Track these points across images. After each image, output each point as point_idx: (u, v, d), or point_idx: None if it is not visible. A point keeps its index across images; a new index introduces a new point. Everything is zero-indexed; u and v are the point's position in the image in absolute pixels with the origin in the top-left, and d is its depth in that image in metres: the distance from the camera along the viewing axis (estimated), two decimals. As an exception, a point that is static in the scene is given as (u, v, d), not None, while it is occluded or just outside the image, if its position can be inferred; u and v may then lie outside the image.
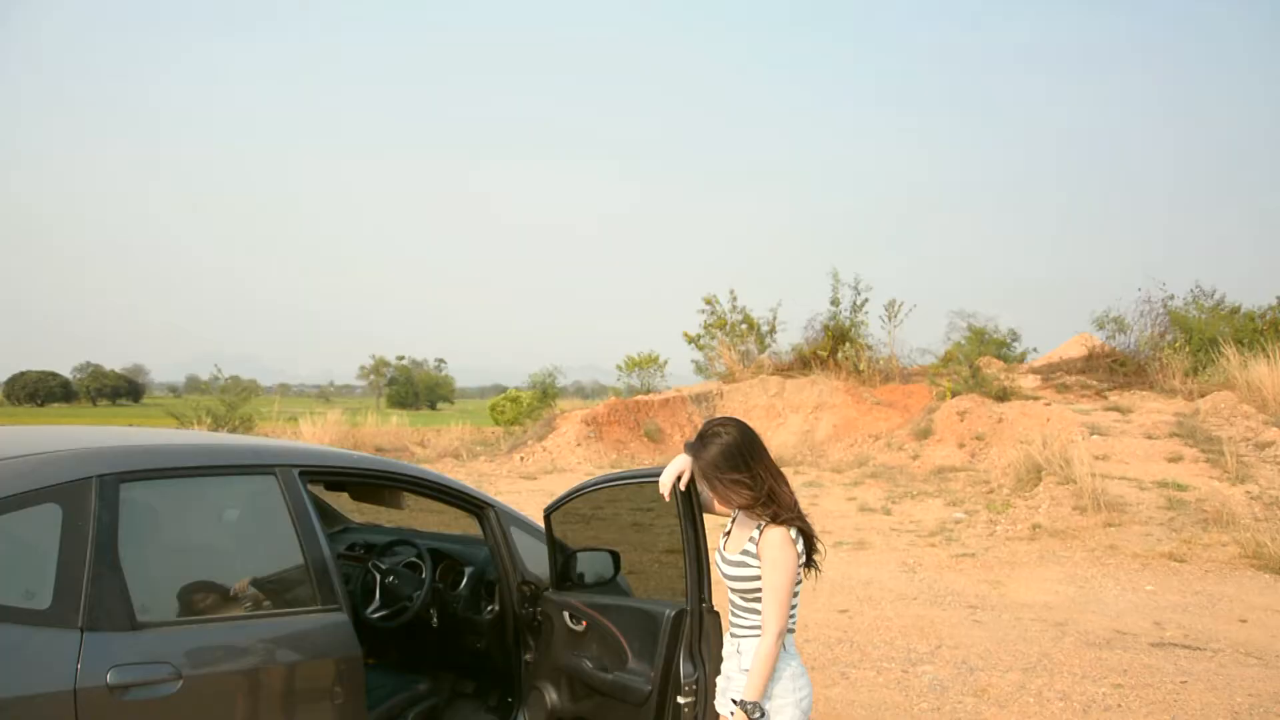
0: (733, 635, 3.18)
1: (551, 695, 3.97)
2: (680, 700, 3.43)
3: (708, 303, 24.42)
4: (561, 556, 4.11)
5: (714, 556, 3.30)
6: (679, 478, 3.34)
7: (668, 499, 3.36)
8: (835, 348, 22.14)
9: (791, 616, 3.09)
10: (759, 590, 3.02)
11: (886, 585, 8.97)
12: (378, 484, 4.17)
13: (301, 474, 3.48)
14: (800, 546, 3.02)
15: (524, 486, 17.30)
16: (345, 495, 5.23)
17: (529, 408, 30.09)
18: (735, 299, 24.23)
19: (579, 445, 21.74)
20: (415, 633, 4.51)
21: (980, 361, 20.89)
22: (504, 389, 37.30)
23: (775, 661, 2.96)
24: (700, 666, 3.45)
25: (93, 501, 2.83)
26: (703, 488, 3.38)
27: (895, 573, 9.54)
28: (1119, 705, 5.76)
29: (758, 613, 3.05)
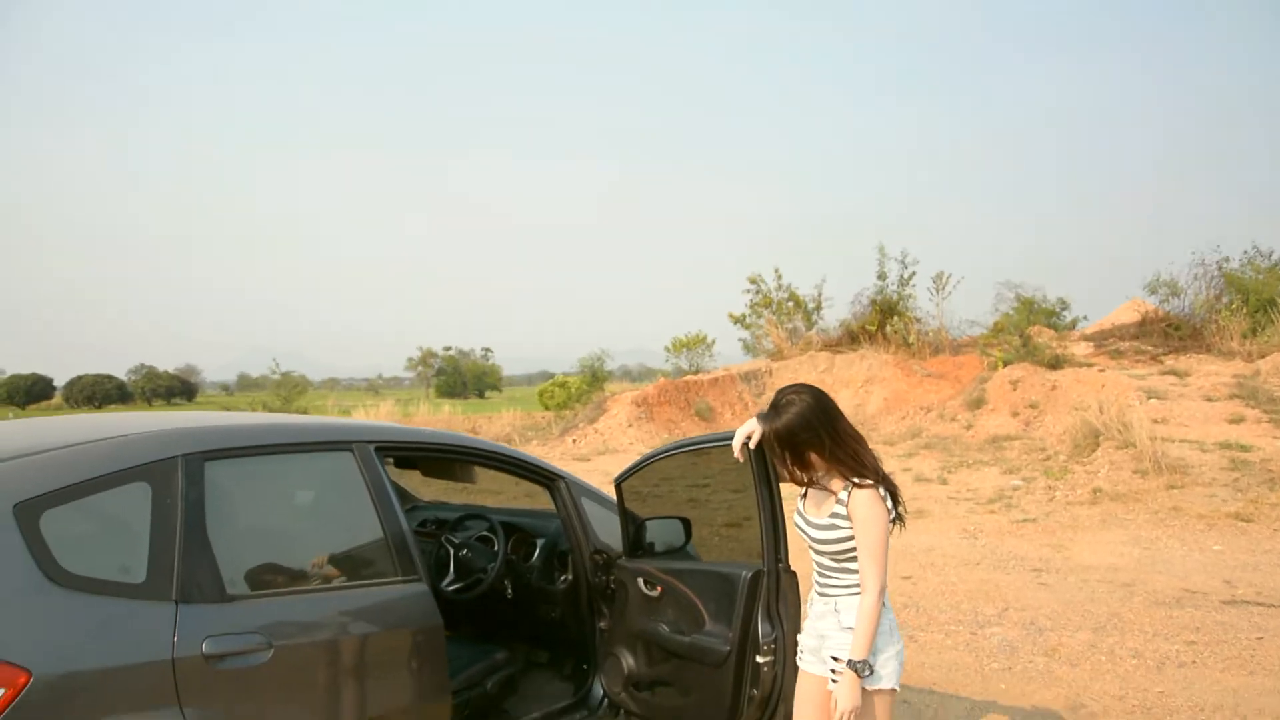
0: (825, 595, 3.20)
1: (628, 660, 4.05)
2: (759, 660, 3.49)
3: (753, 282, 24.38)
4: (633, 525, 4.18)
5: (791, 519, 3.36)
6: (749, 438, 3.40)
7: (740, 459, 3.43)
8: (883, 322, 22.01)
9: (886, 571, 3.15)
10: (851, 551, 3.07)
11: (948, 552, 8.98)
12: (452, 458, 4.26)
13: (377, 449, 3.58)
14: (890, 504, 3.07)
15: (578, 468, 17.44)
16: (413, 476, 5.34)
17: (578, 392, 30.27)
18: (780, 277, 24.19)
19: (630, 426, 21.85)
20: (490, 605, 4.61)
21: (1031, 330, 20.68)
22: (551, 375, 37.53)
23: (878, 618, 3.00)
24: (778, 626, 3.51)
25: (179, 480, 2.93)
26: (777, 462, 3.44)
27: (956, 539, 9.54)
28: (1194, 661, 5.75)
29: (851, 572, 3.09)
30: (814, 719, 3.23)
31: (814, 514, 3.17)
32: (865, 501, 3.01)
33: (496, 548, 4.47)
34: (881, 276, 22.43)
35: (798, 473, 3.18)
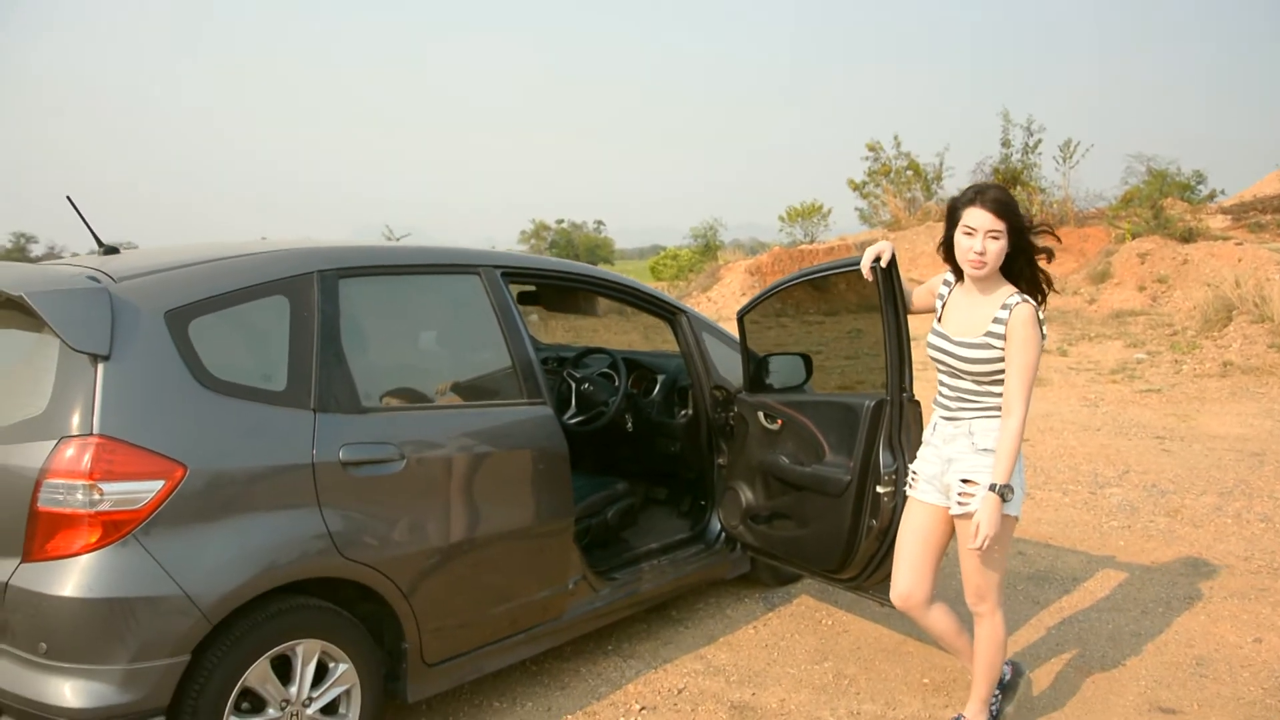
0: (956, 419, 3.11)
1: (746, 494, 4.10)
2: (879, 490, 3.48)
3: (871, 149, 23.67)
4: (754, 361, 4.18)
5: (925, 344, 3.25)
6: (878, 258, 3.32)
7: (869, 279, 3.36)
8: (1005, 191, 21.19)
9: None
10: (999, 372, 2.96)
11: (1067, 418, 8.78)
12: (576, 287, 4.29)
13: (504, 274, 3.62)
14: (1045, 329, 2.96)
15: (771, 334, 17.53)
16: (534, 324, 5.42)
17: (690, 263, 30.16)
18: (900, 145, 23.37)
19: (744, 295, 21.74)
20: (611, 439, 4.71)
21: (1164, 203, 19.63)
22: (662, 249, 37.38)
23: (1019, 443, 2.93)
24: (900, 456, 3.48)
25: (315, 294, 3.02)
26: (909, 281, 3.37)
27: (1076, 406, 9.31)
28: (1326, 526, 5.55)
29: (994, 395, 3.01)
30: (918, 550, 3.21)
31: (964, 333, 3.05)
32: (1028, 320, 2.90)
33: (618, 382, 4.53)
34: (1006, 144, 21.50)
35: (980, 258, 2.93)
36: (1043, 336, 2.94)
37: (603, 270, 4.29)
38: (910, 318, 3.48)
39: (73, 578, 2.52)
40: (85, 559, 2.53)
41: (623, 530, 4.35)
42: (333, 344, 3.02)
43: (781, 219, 28.17)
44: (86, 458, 2.53)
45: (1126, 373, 10.95)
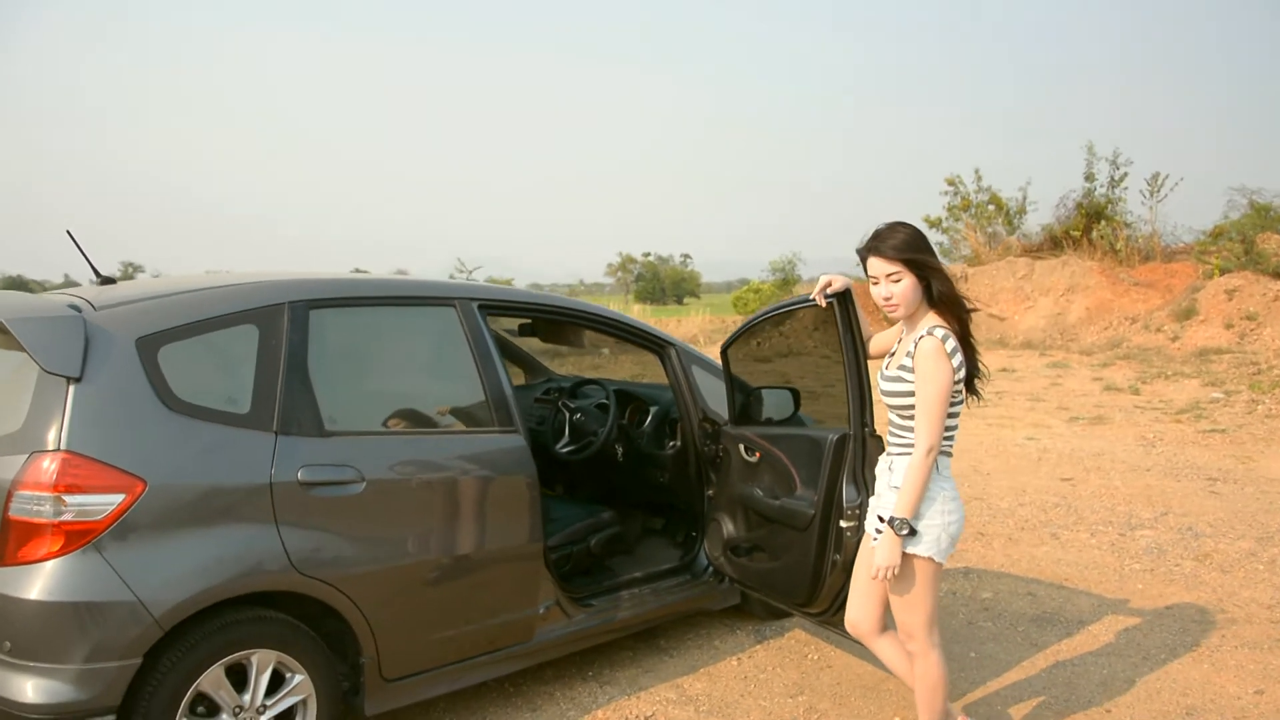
0: (887, 454, 3.20)
1: (728, 526, 4.15)
2: (842, 524, 3.50)
3: (950, 184, 23.29)
4: (741, 395, 4.23)
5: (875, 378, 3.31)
6: (828, 285, 3.36)
7: (822, 304, 3.38)
8: (1089, 226, 20.60)
9: (949, 439, 3.07)
10: (913, 407, 3.00)
11: (1119, 457, 8.54)
12: (559, 320, 4.40)
13: (481, 307, 3.76)
14: (959, 360, 2.97)
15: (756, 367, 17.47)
16: (551, 353, 5.55)
17: (771, 297, 30.10)
18: (980, 179, 22.98)
19: (815, 329, 21.59)
20: (604, 469, 4.80)
21: (1259, 237, 18.86)
22: (748, 282, 37.42)
23: (926, 479, 2.94)
24: (863, 491, 3.50)
25: (285, 324, 3.21)
26: (865, 317, 3.40)
27: (1131, 446, 9.04)
28: (1366, 575, 5.31)
29: (912, 430, 3.04)
30: (863, 582, 3.24)
31: (889, 367, 3.13)
32: (929, 353, 2.92)
33: (610, 413, 4.63)
34: (1090, 178, 20.94)
35: (890, 304, 3.03)
36: (955, 367, 2.94)
37: (590, 304, 4.39)
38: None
39: (37, 582, 2.72)
40: (49, 565, 2.73)
41: (608, 558, 4.43)
42: (298, 371, 3.19)
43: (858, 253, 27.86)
44: (53, 471, 2.73)
45: (1195, 412, 10.58)
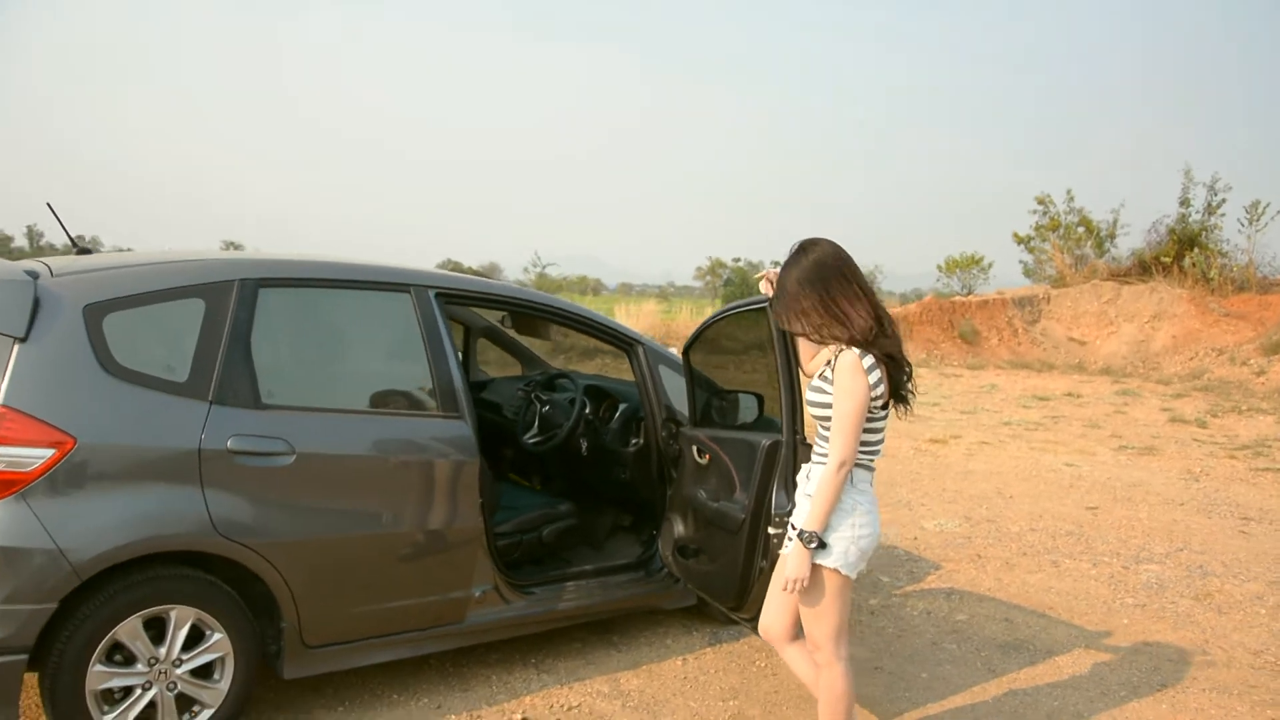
0: (809, 463, 3.19)
1: (678, 526, 4.17)
2: (771, 531, 3.49)
3: (1040, 203, 22.73)
4: (705, 396, 4.24)
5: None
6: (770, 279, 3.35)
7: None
8: (1181, 253, 19.87)
9: (874, 452, 3.03)
10: (830, 418, 2.99)
11: (1156, 489, 8.24)
12: (522, 313, 4.46)
13: (437, 295, 3.86)
14: (875, 378, 2.94)
15: (722, 369, 17.27)
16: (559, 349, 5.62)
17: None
18: (1072, 199, 22.35)
19: (886, 343, 21.27)
20: (573, 463, 4.86)
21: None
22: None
23: (837, 492, 2.92)
24: (794, 498, 3.49)
25: (233, 301, 3.36)
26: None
27: (1173, 479, 8.71)
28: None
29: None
30: (777, 588, 3.22)
31: (814, 378, 3.12)
32: (844, 368, 2.90)
33: (575, 407, 4.69)
34: (1185, 203, 20.19)
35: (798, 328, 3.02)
36: (872, 384, 2.91)
37: (558, 299, 4.44)
38: None
39: None
40: (-20, 510, 2.93)
41: (564, 550, 4.50)
42: (240, 345, 3.34)
43: (939, 268, 27.40)
44: (-12, 422, 2.93)
45: (1255, 449, 10.12)
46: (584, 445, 4.75)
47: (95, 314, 3.16)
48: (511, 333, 5.57)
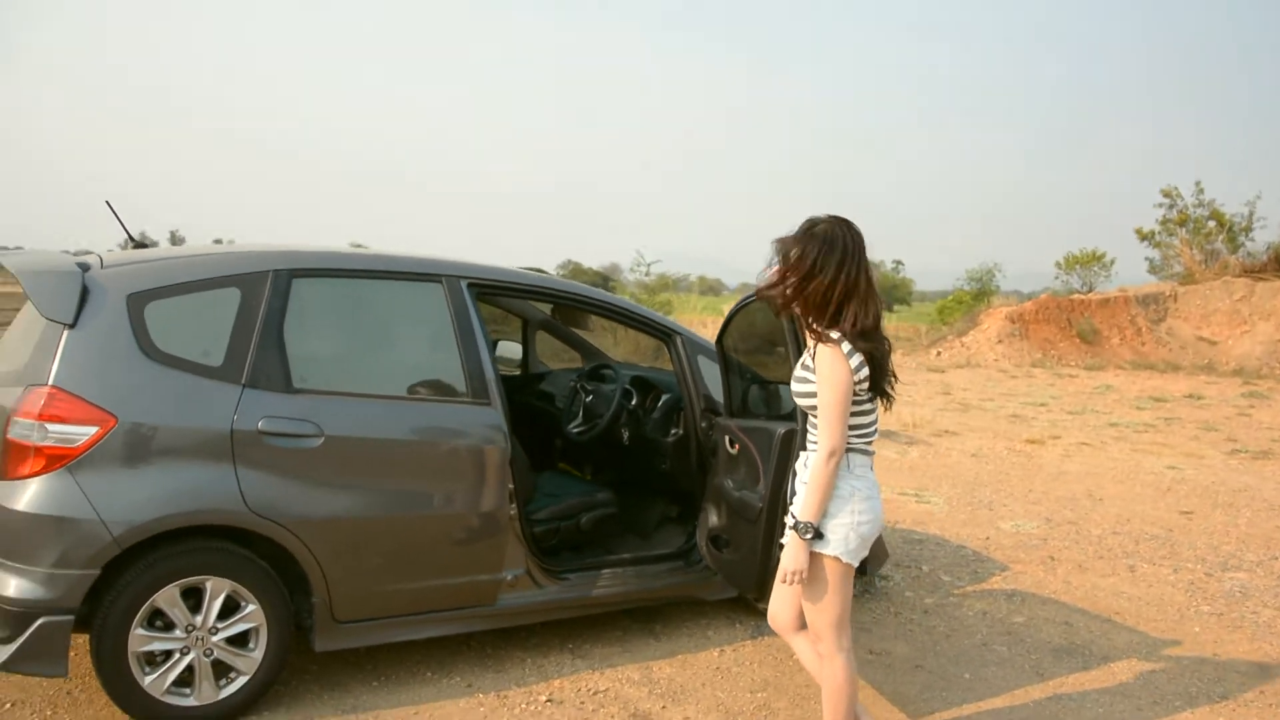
0: (806, 451, 3.15)
1: (712, 517, 4.18)
2: (787, 520, 3.48)
3: (1167, 196, 21.68)
4: (740, 384, 4.23)
5: None
6: None
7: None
8: (1324, 247, 18.68)
9: (866, 437, 3.01)
10: (816, 407, 2.96)
11: (1264, 495, 7.80)
12: (556, 302, 4.53)
13: (469, 286, 3.98)
14: (856, 363, 2.90)
15: (926, 378, 16.97)
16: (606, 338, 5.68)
17: (969, 308, 29.05)
18: (1201, 191, 21.24)
19: (999, 342, 20.73)
20: (614, 452, 4.92)
21: None
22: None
23: (830, 480, 2.89)
24: None
25: (267, 290, 3.55)
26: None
27: (1284, 487, 8.24)
28: None
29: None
30: (779, 580, 3.20)
31: (798, 367, 3.10)
32: (823, 358, 2.89)
33: (616, 397, 4.74)
34: (1329, 193, 18.93)
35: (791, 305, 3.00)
36: (855, 367, 2.86)
37: (594, 289, 4.49)
38: None
39: (22, 495, 3.17)
40: (32, 482, 3.18)
41: (606, 538, 4.56)
42: (273, 332, 3.53)
43: (1058, 265, 26.38)
44: (39, 402, 3.18)
45: (1385, 457, 9.48)
46: (625, 435, 4.81)
47: (137, 302, 3.38)
48: (569, 327, 5.65)
